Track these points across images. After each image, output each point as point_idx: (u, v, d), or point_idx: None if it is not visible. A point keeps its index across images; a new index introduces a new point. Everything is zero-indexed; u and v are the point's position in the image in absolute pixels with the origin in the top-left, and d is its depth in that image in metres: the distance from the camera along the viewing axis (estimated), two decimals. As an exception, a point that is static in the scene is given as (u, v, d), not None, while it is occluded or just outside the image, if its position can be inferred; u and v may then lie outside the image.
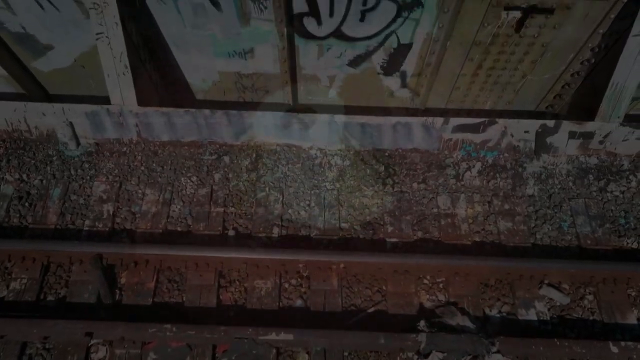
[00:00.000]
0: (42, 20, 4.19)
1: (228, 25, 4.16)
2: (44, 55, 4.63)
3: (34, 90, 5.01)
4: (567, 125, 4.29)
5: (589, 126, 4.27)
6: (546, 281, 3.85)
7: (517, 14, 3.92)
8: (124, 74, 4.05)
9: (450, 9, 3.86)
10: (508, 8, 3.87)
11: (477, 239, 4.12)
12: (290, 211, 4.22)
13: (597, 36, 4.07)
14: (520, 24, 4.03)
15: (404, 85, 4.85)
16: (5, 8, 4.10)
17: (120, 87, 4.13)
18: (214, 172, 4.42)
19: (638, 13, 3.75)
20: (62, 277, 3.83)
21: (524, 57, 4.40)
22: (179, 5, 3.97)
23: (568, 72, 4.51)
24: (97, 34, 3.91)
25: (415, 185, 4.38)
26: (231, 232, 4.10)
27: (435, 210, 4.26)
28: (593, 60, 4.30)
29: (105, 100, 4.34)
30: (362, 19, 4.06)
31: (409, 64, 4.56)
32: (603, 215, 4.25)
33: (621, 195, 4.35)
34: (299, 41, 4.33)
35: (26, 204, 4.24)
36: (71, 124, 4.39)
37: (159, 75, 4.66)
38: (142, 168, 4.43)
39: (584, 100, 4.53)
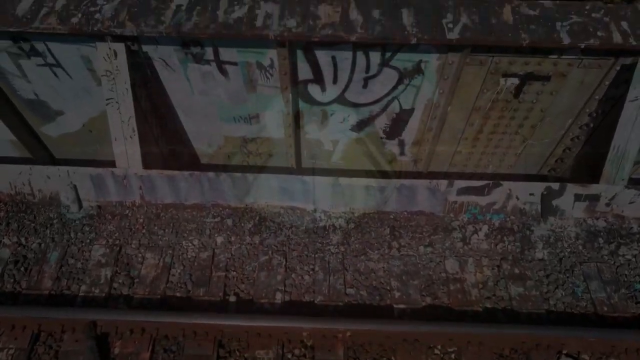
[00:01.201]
0: (56, 87, 4.34)
1: (235, 91, 4.29)
2: (53, 120, 4.74)
3: (40, 154, 5.07)
4: (572, 188, 4.28)
5: (594, 189, 4.26)
6: (564, 351, 3.63)
7: (515, 81, 4.06)
8: (131, 137, 4.11)
9: (450, 76, 4.00)
10: (506, 75, 4.01)
11: (489, 305, 3.95)
12: (293, 276, 4.08)
13: (594, 102, 4.19)
14: (518, 91, 4.15)
15: (406, 149, 4.91)
16: (21, 77, 4.26)
17: (127, 150, 4.18)
18: (216, 235, 4.34)
19: (632, 80, 3.88)
20: (52, 347, 3.62)
21: (524, 122, 4.50)
22: (188, 73, 4.13)
23: (568, 136, 4.59)
24: (108, 99, 4.02)
25: (421, 248, 4.28)
26: (232, 298, 3.94)
27: (443, 274, 4.12)
28: (592, 125, 4.38)
29: (110, 164, 4.37)
30: (364, 86, 4.19)
31: (411, 129, 4.65)
32: (617, 280, 4.10)
33: (634, 259, 4.23)
34: (303, 107, 4.45)
35: (22, 269, 4.12)
36: (75, 187, 4.39)
37: (164, 139, 4.74)
38: (144, 231, 4.35)
39: (587, 163, 4.56)
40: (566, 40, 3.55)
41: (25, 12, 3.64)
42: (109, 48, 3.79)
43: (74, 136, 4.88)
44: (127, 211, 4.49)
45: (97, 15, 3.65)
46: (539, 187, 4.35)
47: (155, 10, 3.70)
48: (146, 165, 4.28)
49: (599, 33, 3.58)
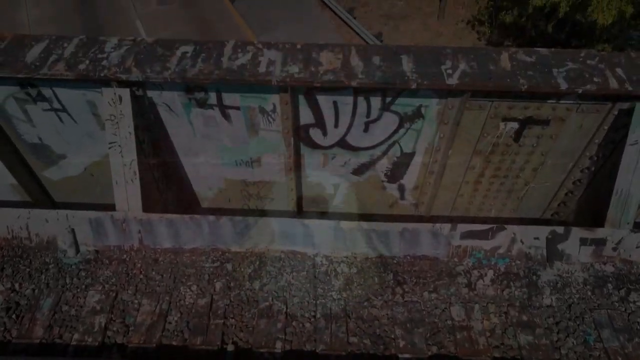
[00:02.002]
0: (60, 132, 4.38)
1: (237, 135, 4.33)
2: (55, 164, 4.76)
3: (40, 198, 5.05)
4: (578, 232, 4.22)
5: (600, 232, 4.20)
6: (580, 405, 3.44)
7: (515, 125, 4.10)
8: (132, 180, 4.10)
9: (450, 120, 4.05)
10: (506, 119, 4.06)
11: (497, 355, 3.78)
12: (294, 323, 3.94)
13: (594, 145, 4.21)
14: (518, 135, 4.19)
15: (408, 192, 4.89)
16: (26, 121, 4.31)
17: (127, 193, 4.16)
18: (215, 280, 4.23)
19: (630, 124, 3.92)
20: (40, 401, 3.44)
21: (525, 165, 4.51)
22: (191, 117, 4.18)
23: (570, 179, 4.58)
24: (111, 143, 4.05)
25: (426, 294, 4.16)
26: (230, 347, 3.78)
27: (449, 322, 3.98)
28: (593, 169, 4.39)
29: (110, 208, 4.33)
30: (365, 130, 4.24)
31: (413, 172, 4.66)
32: (630, 328, 3.95)
33: (645, 306, 4.10)
34: (304, 150, 4.47)
35: (13, 316, 3.98)
36: (73, 231, 4.33)
37: (165, 183, 4.73)
38: (141, 276, 4.25)
39: (591, 207, 4.53)
40: (563, 86, 3.61)
41: (34, 59, 3.73)
42: (114, 93, 3.85)
43: (75, 180, 4.87)
44: (125, 256, 4.40)
45: (105, 62, 3.74)
46: (543, 231, 4.29)
47: (161, 57, 3.80)
48: (146, 208, 4.24)
49: (595, 79, 3.65)
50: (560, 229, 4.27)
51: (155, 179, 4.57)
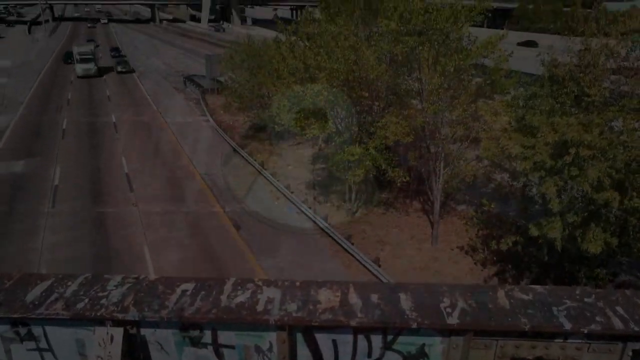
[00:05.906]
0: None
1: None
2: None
3: None
4: None
5: None
6: None
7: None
8: None
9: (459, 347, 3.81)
10: (514, 359, 3.82)
11: None
12: None
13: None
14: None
15: None
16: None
17: None
18: None
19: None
20: None
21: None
22: (183, 356, 3.94)
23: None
24: (93, 392, 3.71)
25: None
26: None
27: None
28: None
29: None
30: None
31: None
32: None
33: None
34: None
35: None
36: None
37: None
38: None
39: None
40: (567, 326, 3.53)
41: (34, 299, 3.75)
42: (107, 333, 3.73)
43: None
44: None
45: (103, 301, 3.75)
46: None
47: (160, 295, 3.83)
48: None
49: (597, 318, 3.59)
50: None
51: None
